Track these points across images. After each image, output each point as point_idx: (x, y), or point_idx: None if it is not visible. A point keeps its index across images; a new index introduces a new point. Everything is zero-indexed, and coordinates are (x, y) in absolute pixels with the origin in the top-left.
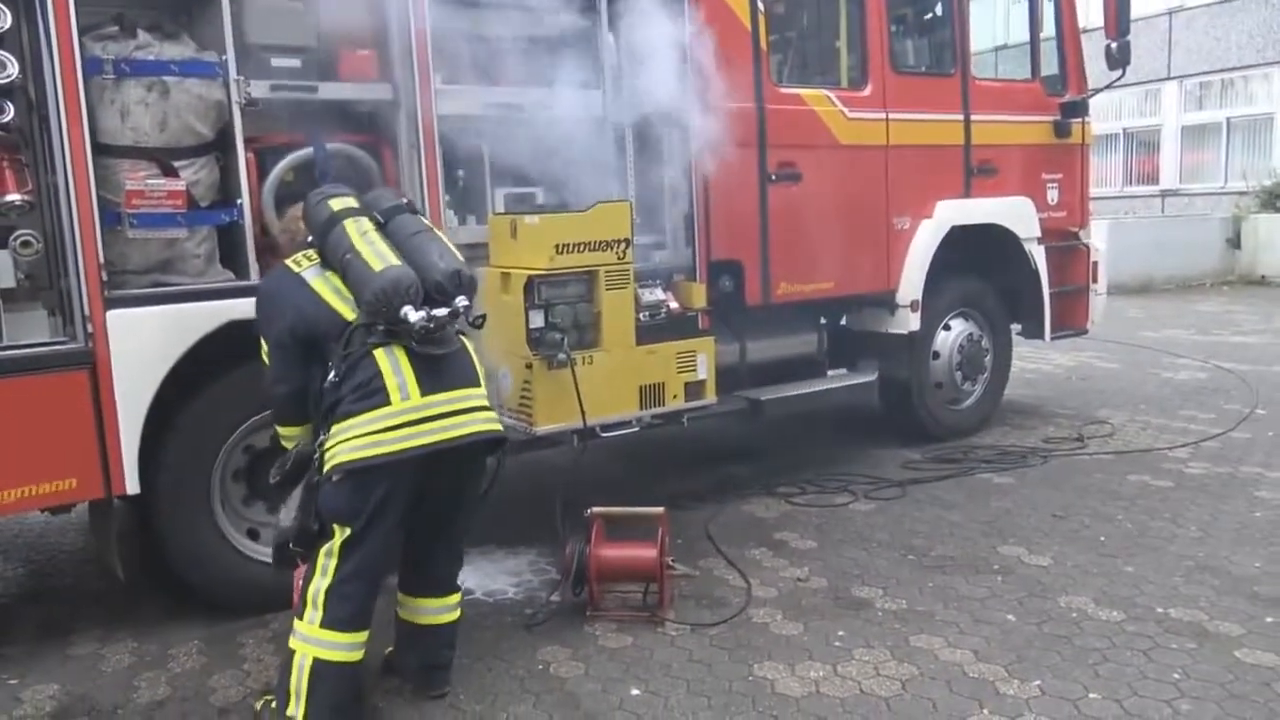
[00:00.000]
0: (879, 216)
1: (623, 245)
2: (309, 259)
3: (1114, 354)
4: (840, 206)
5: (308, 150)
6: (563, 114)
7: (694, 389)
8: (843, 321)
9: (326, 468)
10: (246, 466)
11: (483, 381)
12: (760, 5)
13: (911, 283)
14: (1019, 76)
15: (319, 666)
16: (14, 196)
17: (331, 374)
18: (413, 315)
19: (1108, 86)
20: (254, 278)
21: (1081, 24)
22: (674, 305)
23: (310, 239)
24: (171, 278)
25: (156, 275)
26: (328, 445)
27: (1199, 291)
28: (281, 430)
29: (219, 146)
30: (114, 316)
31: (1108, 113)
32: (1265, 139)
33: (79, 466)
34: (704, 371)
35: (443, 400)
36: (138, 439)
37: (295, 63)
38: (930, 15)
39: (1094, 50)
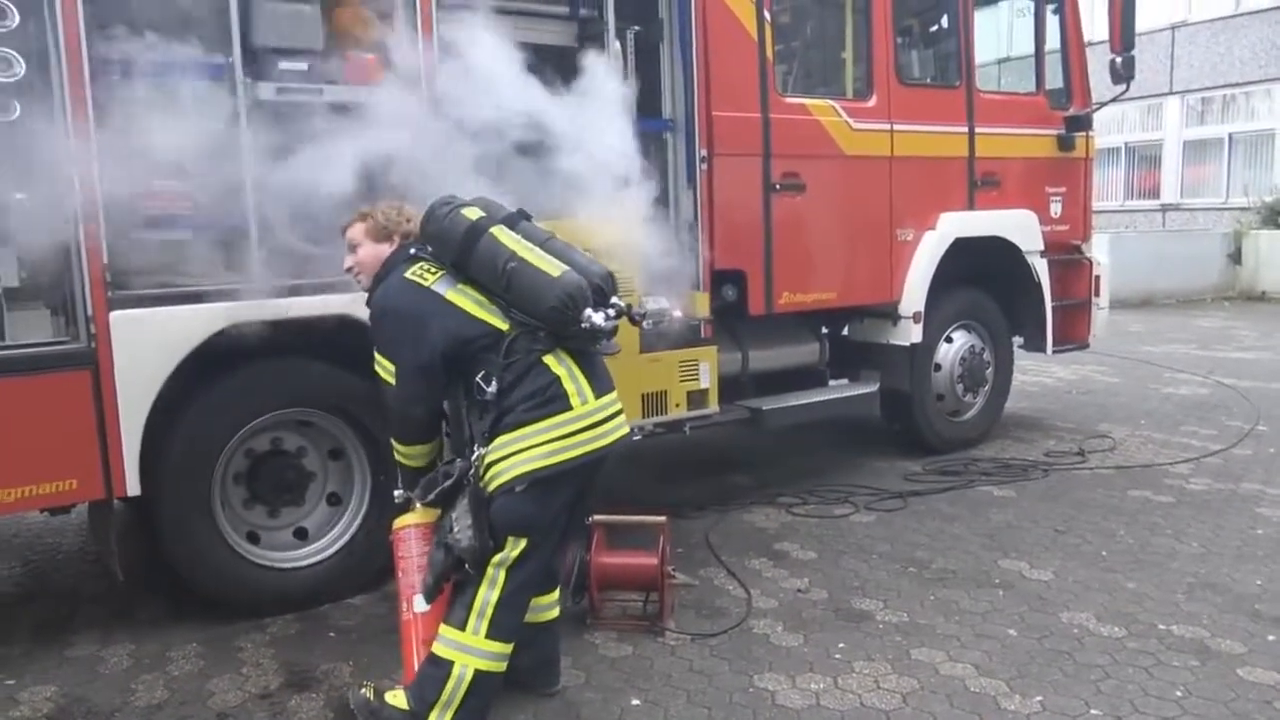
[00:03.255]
0: (882, 227)
1: None
2: (432, 272)
3: (1115, 368)
4: (844, 217)
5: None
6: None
7: (696, 398)
8: (844, 332)
9: (505, 479)
10: (247, 469)
11: None
12: (767, 15)
13: (914, 294)
14: (1023, 89)
15: (480, 678)
16: (20, 195)
17: (491, 386)
18: (597, 317)
19: (1112, 100)
20: (258, 280)
21: (1086, 38)
22: (677, 314)
23: (414, 248)
24: (176, 279)
25: (161, 276)
26: (494, 457)
27: (1200, 307)
28: (406, 449)
29: None
30: (117, 317)
31: (1109, 127)
32: (1267, 155)
33: (80, 467)
34: (706, 380)
35: (607, 403)
36: (139, 440)
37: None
38: (936, 27)
39: (1097, 64)
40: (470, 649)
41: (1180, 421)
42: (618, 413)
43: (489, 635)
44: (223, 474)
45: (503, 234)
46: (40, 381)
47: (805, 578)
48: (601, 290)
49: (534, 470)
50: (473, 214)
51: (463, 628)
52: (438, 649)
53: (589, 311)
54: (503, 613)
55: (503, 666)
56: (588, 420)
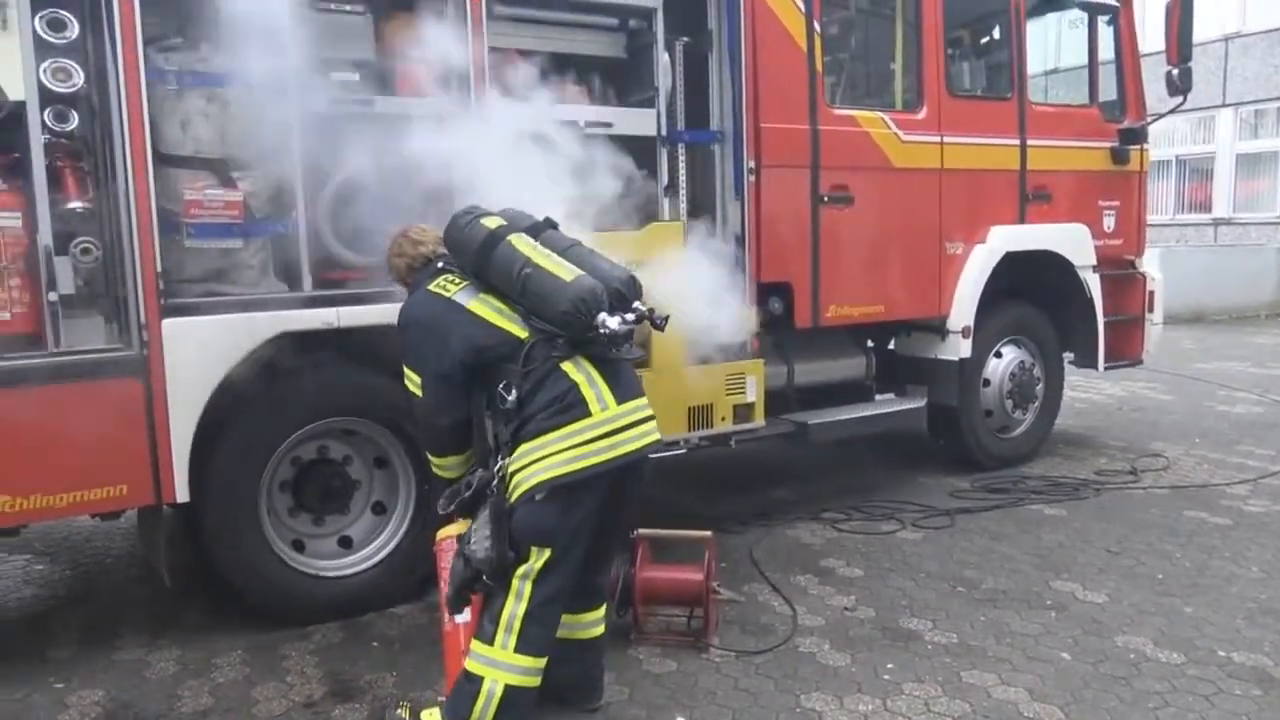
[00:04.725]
0: (931, 241)
1: None
2: (455, 283)
3: (1167, 385)
4: (892, 230)
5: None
6: (619, 133)
7: (742, 411)
8: (891, 346)
9: (526, 488)
10: (293, 478)
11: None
12: (816, 26)
13: (963, 308)
14: (1076, 101)
15: (511, 693)
16: (75, 203)
17: (512, 394)
18: (611, 321)
19: (1169, 113)
20: (307, 289)
21: (1140, 49)
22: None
23: (440, 262)
24: (226, 287)
25: (211, 285)
26: (516, 466)
27: (1254, 323)
28: (439, 460)
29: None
30: (169, 325)
31: (1160, 140)
32: None
33: (130, 473)
34: (753, 394)
35: (631, 409)
36: (189, 447)
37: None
38: (987, 38)
39: (1149, 76)
40: (499, 664)
41: (1236, 441)
42: (644, 420)
43: (518, 649)
44: (270, 481)
45: (520, 241)
46: (93, 388)
47: (852, 595)
48: (621, 295)
49: (553, 478)
50: (492, 223)
51: (491, 642)
52: (469, 664)
53: (603, 316)
54: (531, 626)
55: (535, 681)
56: (608, 427)
